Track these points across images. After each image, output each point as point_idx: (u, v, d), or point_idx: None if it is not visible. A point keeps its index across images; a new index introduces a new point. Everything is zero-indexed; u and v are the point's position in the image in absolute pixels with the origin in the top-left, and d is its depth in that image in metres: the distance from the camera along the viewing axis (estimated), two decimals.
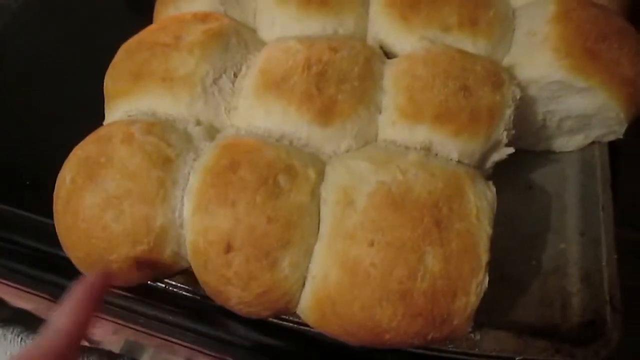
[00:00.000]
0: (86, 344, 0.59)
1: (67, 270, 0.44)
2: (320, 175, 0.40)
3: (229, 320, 0.45)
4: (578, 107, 0.46)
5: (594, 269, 0.42)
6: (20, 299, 0.56)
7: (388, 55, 0.48)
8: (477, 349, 0.40)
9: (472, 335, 0.40)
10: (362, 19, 0.49)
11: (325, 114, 0.41)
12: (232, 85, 0.46)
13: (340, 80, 0.42)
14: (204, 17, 0.49)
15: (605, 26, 0.45)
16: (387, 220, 0.37)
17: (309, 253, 0.38)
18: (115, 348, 0.57)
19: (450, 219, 0.37)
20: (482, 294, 0.36)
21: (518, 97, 0.43)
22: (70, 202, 0.41)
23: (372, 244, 0.36)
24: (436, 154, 0.41)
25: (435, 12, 0.47)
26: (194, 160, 0.42)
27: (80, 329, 0.33)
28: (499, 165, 0.44)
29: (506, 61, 0.47)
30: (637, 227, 0.48)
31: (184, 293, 0.45)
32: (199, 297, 0.45)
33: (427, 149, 0.41)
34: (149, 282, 0.45)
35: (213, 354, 0.47)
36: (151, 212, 0.40)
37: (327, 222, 0.38)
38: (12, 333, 0.54)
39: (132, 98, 0.46)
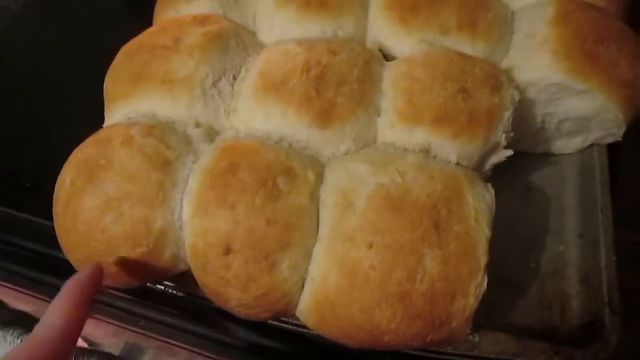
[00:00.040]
0: (86, 345, 0.60)
1: (67, 273, 0.43)
2: (320, 177, 0.40)
3: (229, 322, 0.45)
4: (577, 109, 0.46)
5: (593, 271, 0.42)
6: (20, 301, 0.56)
7: (387, 57, 0.48)
8: (475, 351, 0.40)
9: (471, 337, 0.40)
10: (362, 21, 0.49)
11: (324, 116, 0.42)
12: (231, 87, 0.46)
13: (339, 83, 0.43)
14: (203, 20, 0.49)
15: (604, 28, 0.45)
16: (386, 222, 0.37)
17: (308, 255, 0.38)
18: (115, 350, 0.58)
19: (448, 221, 0.37)
20: (480, 296, 0.36)
21: (517, 99, 0.43)
22: (69, 204, 0.41)
23: (371, 246, 0.36)
24: (435, 156, 0.41)
25: (434, 14, 0.47)
26: (194, 162, 0.42)
27: (74, 324, 0.33)
28: (497, 167, 0.44)
29: (505, 63, 0.47)
30: (636, 229, 0.48)
31: (183, 295, 0.46)
32: (198, 299, 0.45)
33: (426, 151, 0.41)
34: (148, 284, 0.45)
35: (212, 355, 0.47)
36: (150, 214, 0.40)
37: (326, 224, 0.38)
38: (11, 335, 0.54)
39: (132, 100, 0.46)
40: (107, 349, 0.56)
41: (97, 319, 0.49)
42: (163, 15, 0.54)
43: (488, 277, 0.36)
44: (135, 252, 0.40)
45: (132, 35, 0.50)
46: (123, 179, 0.40)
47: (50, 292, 0.50)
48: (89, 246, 0.41)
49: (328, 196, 0.39)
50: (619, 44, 0.44)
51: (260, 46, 0.49)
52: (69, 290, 0.35)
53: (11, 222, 0.53)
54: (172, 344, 0.48)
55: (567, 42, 0.44)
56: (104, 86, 0.48)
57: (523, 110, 0.46)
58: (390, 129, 0.42)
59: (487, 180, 0.41)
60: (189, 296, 0.45)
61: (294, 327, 0.43)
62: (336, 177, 0.40)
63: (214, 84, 0.45)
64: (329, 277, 0.37)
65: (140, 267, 0.41)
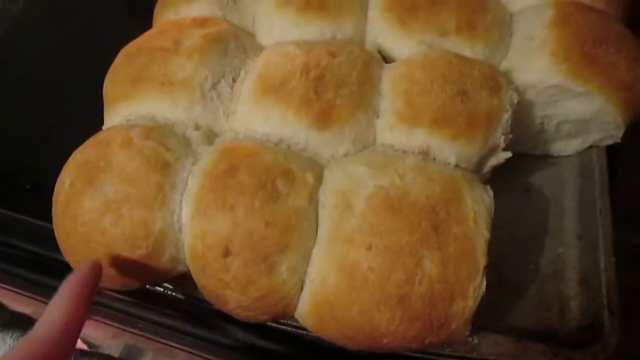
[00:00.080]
0: (85, 347, 0.60)
1: (66, 275, 0.44)
2: (319, 179, 0.40)
3: (228, 324, 0.45)
4: (576, 111, 0.46)
5: (592, 273, 0.42)
6: (19, 303, 0.56)
7: (386, 59, 0.48)
8: (475, 353, 0.40)
9: (470, 339, 0.40)
10: (361, 23, 0.49)
11: (324, 118, 0.42)
12: (230, 89, 0.46)
13: (338, 85, 0.43)
14: (203, 22, 0.49)
15: (603, 31, 0.45)
16: (385, 224, 0.37)
17: (307, 257, 0.38)
18: (115, 352, 0.58)
19: (447, 223, 0.37)
20: (479, 298, 0.36)
21: (515, 101, 0.43)
22: (69, 206, 0.41)
23: (370, 248, 0.36)
24: (434, 158, 0.41)
25: (433, 16, 0.47)
26: (193, 164, 0.42)
27: (74, 324, 0.33)
28: (496, 169, 0.44)
29: (504, 65, 0.47)
30: (635, 231, 0.48)
31: (182, 297, 0.46)
32: (197, 301, 0.45)
33: (425, 153, 0.41)
34: (147, 286, 0.45)
35: (212, 357, 0.47)
36: (150, 216, 0.40)
37: (325, 226, 0.38)
38: (11, 337, 0.54)
39: (131, 102, 0.46)
40: (106, 351, 0.56)
41: (97, 320, 0.49)
42: (163, 17, 0.54)
43: (487, 279, 0.36)
44: (134, 254, 0.40)
45: (132, 36, 0.50)
46: (122, 181, 0.40)
47: (49, 294, 0.49)
48: (89, 248, 0.41)
49: (327, 198, 0.39)
50: (618, 46, 0.44)
51: (259, 48, 0.49)
52: (68, 288, 0.35)
53: (11, 224, 0.53)
54: (171, 345, 0.48)
55: (566, 44, 0.44)
56: (104, 88, 0.49)
57: (522, 112, 0.46)
58: (389, 130, 0.42)
59: (486, 182, 0.41)
60: (188, 298, 0.45)
61: (293, 329, 0.43)
62: (335, 179, 0.40)
63: (214, 86, 0.45)
64: (328, 279, 0.37)
65: (140, 269, 0.41)
